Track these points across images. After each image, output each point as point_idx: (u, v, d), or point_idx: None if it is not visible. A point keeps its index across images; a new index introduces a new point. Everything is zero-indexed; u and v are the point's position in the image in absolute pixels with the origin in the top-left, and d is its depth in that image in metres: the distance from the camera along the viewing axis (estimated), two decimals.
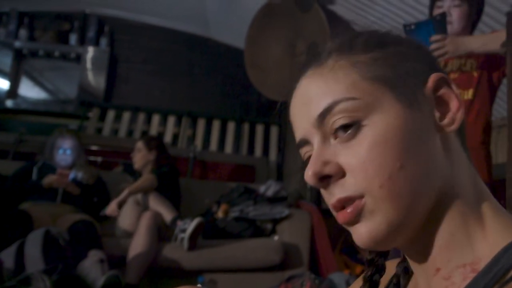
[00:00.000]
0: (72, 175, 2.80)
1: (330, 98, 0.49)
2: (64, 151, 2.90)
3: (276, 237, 2.83)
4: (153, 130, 4.47)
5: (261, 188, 3.20)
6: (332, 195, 0.49)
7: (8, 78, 4.82)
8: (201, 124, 4.63)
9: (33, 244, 2.02)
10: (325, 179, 0.49)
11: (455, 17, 1.81)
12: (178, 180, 3.01)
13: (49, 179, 2.70)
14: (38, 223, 2.38)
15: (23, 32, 4.82)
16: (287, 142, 4.44)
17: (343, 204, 0.48)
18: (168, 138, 4.44)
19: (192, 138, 4.53)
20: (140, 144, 3.03)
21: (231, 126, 4.66)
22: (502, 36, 1.61)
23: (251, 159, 4.24)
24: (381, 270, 0.59)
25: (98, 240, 2.40)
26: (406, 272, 0.58)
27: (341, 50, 0.52)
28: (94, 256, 2.23)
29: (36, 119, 4.75)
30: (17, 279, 1.48)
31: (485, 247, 0.47)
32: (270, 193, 3.08)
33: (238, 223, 2.82)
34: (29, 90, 4.98)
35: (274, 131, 4.69)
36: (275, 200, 3.04)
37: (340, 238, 3.04)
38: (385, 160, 0.47)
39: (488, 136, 1.83)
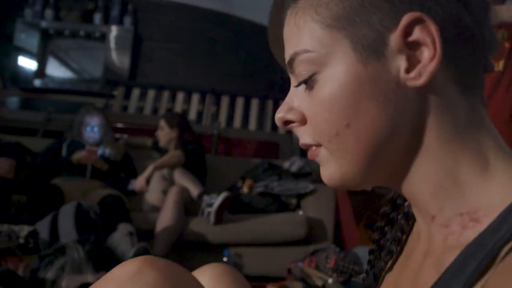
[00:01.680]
0: (100, 151, 2.85)
1: (293, 48, 0.48)
2: (92, 128, 2.96)
3: (300, 212, 2.85)
4: (178, 108, 4.51)
5: (285, 164, 3.21)
6: (299, 138, 0.52)
7: (36, 58, 4.91)
8: (225, 101, 4.63)
9: (66, 216, 2.09)
10: (289, 123, 0.51)
11: None
12: (204, 157, 3.04)
13: (78, 156, 2.76)
14: (69, 198, 2.45)
15: (48, 12, 4.89)
16: None
17: (306, 147, 0.51)
18: (192, 115, 4.47)
19: (216, 115, 4.55)
20: (162, 122, 3.07)
21: (254, 103, 4.65)
22: None
23: (275, 136, 4.24)
24: (403, 212, 0.57)
25: (126, 214, 2.45)
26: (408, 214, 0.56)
27: None
28: (123, 229, 2.29)
29: (63, 98, 4.84)
30: (52, 248, 1.55)
31: (485, 195, 0.43)
32: (294, 168, 3.09)
33: (263, 198, 2.84)
34: (55, 70, 5.07)
35: None
36: (299, 175, 3.04)
37: (365, 213, 3.04)
38: (331, 117, 0.46)
39: None
